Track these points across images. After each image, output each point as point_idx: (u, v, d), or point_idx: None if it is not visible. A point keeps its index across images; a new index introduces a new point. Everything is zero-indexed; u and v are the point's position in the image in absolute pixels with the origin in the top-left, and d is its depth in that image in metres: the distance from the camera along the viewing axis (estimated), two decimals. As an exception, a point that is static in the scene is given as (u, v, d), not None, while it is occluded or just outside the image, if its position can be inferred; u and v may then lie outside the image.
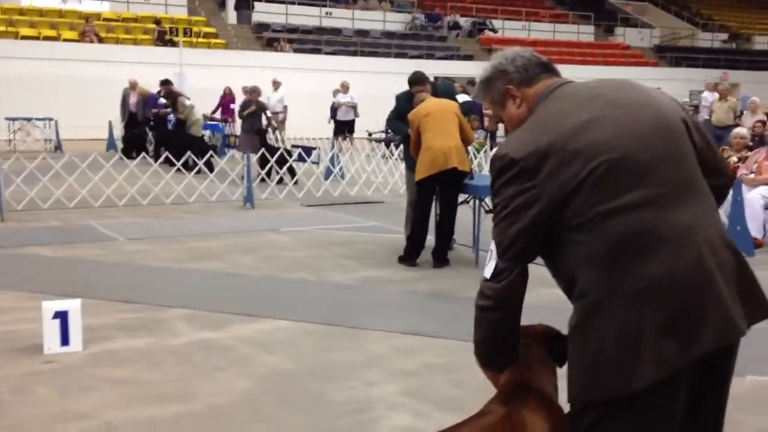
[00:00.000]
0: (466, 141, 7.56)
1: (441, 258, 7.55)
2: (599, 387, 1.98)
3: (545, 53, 2.35)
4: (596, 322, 1.98)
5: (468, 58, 29.73)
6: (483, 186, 7.54)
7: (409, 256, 7.57)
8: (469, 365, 4.69)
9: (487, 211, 8.09)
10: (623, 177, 2.00)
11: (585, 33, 34.75)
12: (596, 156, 2.00)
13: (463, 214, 7.99)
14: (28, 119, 19.15)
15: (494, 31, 32.72)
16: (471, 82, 15.80)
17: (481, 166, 13.89)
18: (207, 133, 17.35)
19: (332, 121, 20.19)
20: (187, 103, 15.37)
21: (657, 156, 2.03)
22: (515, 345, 2.22)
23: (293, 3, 29.31)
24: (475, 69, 24.62)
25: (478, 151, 14.85)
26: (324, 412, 4.07)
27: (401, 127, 8.09)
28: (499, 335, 2.18)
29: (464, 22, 32.68)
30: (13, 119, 18.96)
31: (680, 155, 2.08)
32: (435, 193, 7.59)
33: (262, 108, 14.74)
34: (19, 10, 24.62)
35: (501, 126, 19.44)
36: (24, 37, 23.19)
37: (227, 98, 20.27)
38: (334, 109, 20.12)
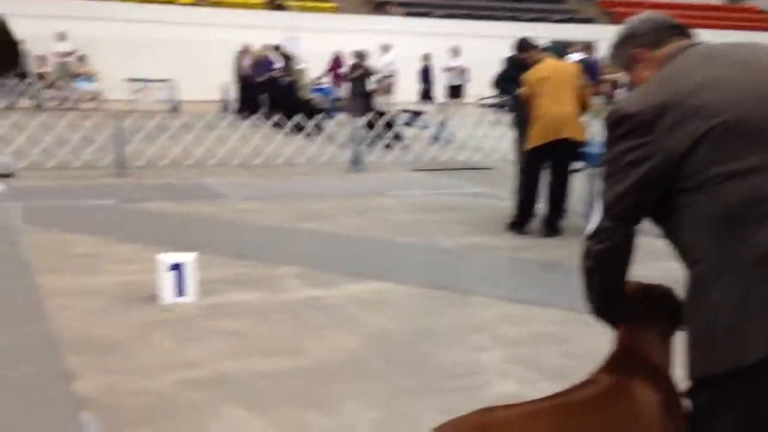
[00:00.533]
0: (583, 107, 7.29)
1: (552, 227, 7.35)
2: (712, 361, 1.88)
3: (669, 16, 2.26)
4: (711, 291, 1.88)
5: (587, 21, 28.75)
6: (598, 154, 7.29)
7: (519, 224, 7.41)
8: (578, 335, 4.59)
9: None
10: (744, 139, 1.88)
11: (713, -4, 32.99)
12: (716, 114, 1.89)
13: (578, 182, 7.77)
14: (148, 80, 19.88)
15: (615, -7, 31.49)
16: (588, 46, 15.23)
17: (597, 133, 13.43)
18: (315, 96, 17.55)
19: (424, 85, 19.78)
20: (300, 66, 15.63)
21: None
22: (618, 308, 2.15)
23: (404, -35, 29.11)
24: (593, 32, 23.71)
25: (595, 117, 14.34)
26: (430, 374, 4.05)
27: (511, 87, 7.96)
28: (600, 296, 2.13)
29: (582, -17, 31.59)
30: (134, 80, 19.73)
31: None
32: (546, 161, 7.38)
33: (369, 72, 14.76)
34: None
35: (617, 92, 18.75)
36: (144, 1, 23.98)
37: (336, 62, 20.39)
38: (424, 72, 19.68)
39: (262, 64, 17.64)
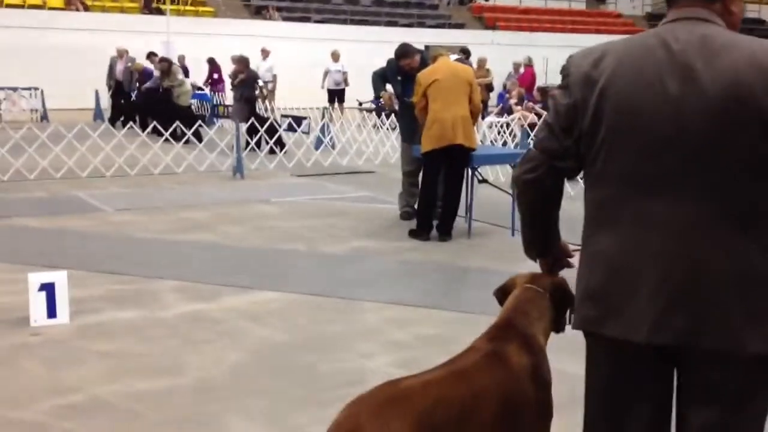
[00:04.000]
0: (474, 111, 7.29)
1: (446, 231, 7.30)
2: (578, 318, 2.10)
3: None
4: (580, 261, 2.12)
5: (459, 26, 29.43)
6: (477, 156, 7.44)
7: (422, 231, 7.30)
8: (465, 336, 4.61)
9: (480, 181, 8.00)
10: (631, 145, 1.91)
11: (577, 1, 34.45)
12: (616, 111, 1.93)
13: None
14: (14, 89, 18.83)
15: (486, -1, 32.39)
16: (463, 50, 15.59)
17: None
18: (195, 102, 17.13)
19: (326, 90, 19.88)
20: (180, 76, 15.26)
21: (688, 142, 1.85)
22: (542, 238, 2.28)
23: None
24: (465, 37, 24.26)
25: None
26: (317, 384, 4.01)
27: (381, 86, 8.29)
28: (525, 222, 2.26)
29: (455, -11, 32.32)
30: (-1, 89, 18.64)
31: (722, 154, 1.83)
32: (442, 166, 7.30)
33: (253, 77, 14.54)
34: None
35: (492, 95, 19.27)
36: (8, 5, 22.76)
37: (213, 67, 20.01)
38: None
39: (144, 75, 16.95)
